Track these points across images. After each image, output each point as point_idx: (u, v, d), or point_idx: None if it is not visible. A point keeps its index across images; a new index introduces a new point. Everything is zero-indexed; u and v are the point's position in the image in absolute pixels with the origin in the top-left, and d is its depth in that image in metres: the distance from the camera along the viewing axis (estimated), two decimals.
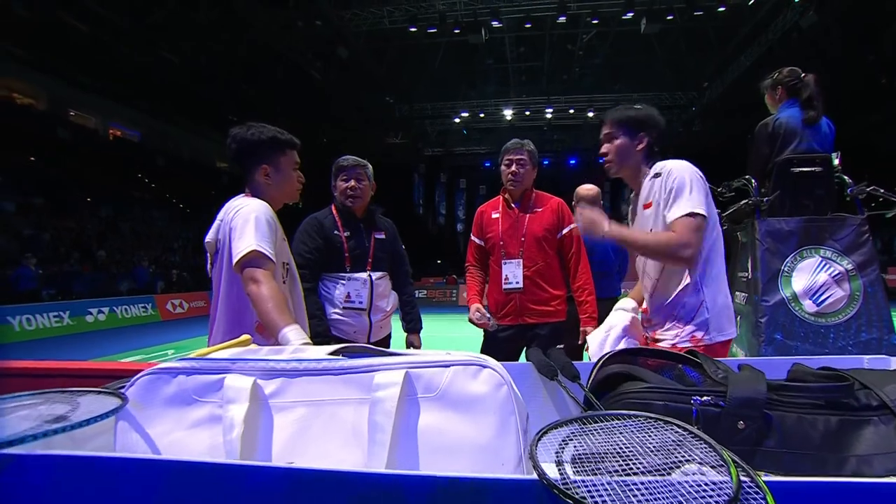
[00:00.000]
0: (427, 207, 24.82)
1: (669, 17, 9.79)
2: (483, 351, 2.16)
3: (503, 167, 2.11)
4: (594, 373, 0.81)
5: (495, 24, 10.80)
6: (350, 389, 0.71)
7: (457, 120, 17.70)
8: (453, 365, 0.70)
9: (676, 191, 1.32)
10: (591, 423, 0.52)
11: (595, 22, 10.43)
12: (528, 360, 0.94)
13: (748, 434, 0.56)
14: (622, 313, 1.44)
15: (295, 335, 1.06)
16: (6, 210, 11.98)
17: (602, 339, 1.39)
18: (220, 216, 1.35)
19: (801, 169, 1.88)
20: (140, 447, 0.66)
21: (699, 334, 1.33)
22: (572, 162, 20.93)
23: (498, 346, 2.10)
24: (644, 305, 1.52)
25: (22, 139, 12.80)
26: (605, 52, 12.61)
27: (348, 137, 19.02)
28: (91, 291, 11.02)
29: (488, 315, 2.06)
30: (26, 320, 8.87)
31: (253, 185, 1.41)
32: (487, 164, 21.81)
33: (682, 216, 1.29)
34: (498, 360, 2.14)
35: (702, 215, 1.29)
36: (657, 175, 1.38)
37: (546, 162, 21.61)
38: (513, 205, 2.12)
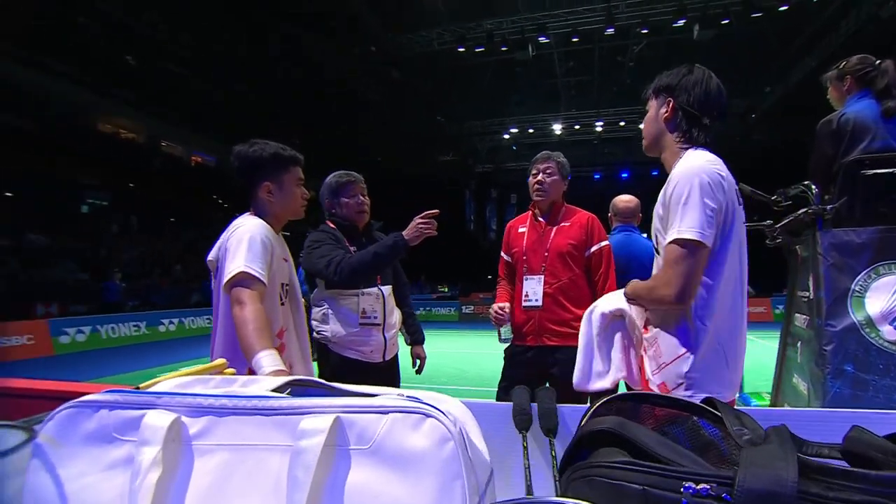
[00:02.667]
0: (478, 223, 24.77)
1: (725, 22, 9.18)
2: (504, 373, 2.05)
3: (530, 178, 2.02)
4: (584, 421, 0.67)
5: (542, 39, 10.71)
6: (280, 434, 0.61)
7: (506, 136, 17.64)
8: (392, 412, 0.59)
9: (673, 205, 1.07)
10: None
11: (645, 32, 10.01)
12: (511, 398, 0.81)
13: None
14: (619, 296, 1.22)
15: (268, 361, 1.00)
16: (112, 231, 13.62)
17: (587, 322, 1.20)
18: (223, 235, 1.34)
19: (874, 171, 1.59)
20: (48, 490, 0.60)
21: (671, 384, 1.08)
22: (624, 175, 20.06)
23: (518, 368, 1.98)
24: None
25: (124, 169, 14.90)
26: (658, 61, 12.05)
27: (402, 156, 19.56)
28: (168, 303, 12.02)
29: (508, 322, 1.95)
30: (111, 329, 9.87)
31: (256, 203, 1.40)
32: None
33: (669, 243, 1.06)
34: (512, 383, 2.00)
35: (693, 241, 1.03)
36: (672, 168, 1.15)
37: (597, 176, 20.91)
38: (540, 218, 2.02)
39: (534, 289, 1.92)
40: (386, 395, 0.65)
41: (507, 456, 0.77)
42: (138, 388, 0.82)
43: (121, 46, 11.77)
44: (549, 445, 0.59)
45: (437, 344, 9.54)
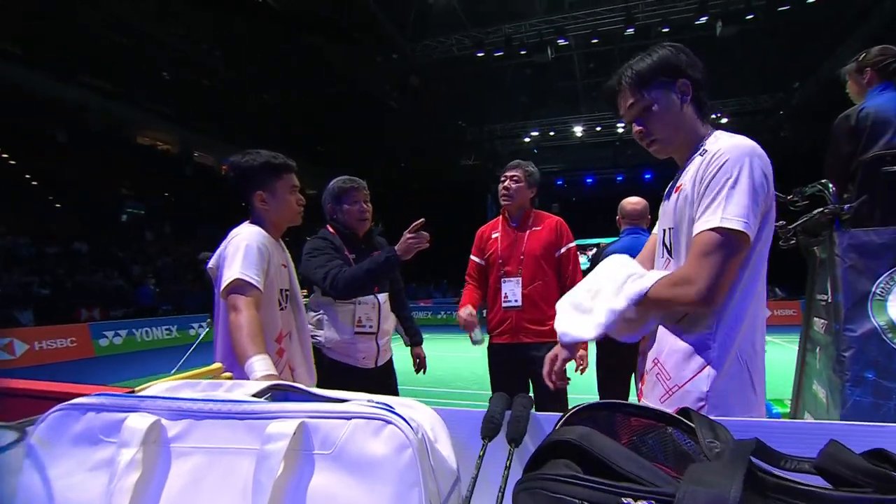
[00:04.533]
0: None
1: (749, 17, 8.86)
2: (490, 370, 2.15)
3: (500, 184, 2.14)
4: (555, 428, 0.67)
5: (562, 42, 10.61)
6: (251, 437, 0.63)
7: (527, 139, 17.52)
8: (355, 417, 0.60)
9: (716, 184, 0.89)
10: None
11: (666, 31, 9.74)
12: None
13: None
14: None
15: (260, 365, 1.03)
16: (147, 238, 14.30)
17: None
18: (222, 244, 1.39)
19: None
20: (38, 489, 0.64)
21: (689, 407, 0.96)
22: (647, 176, 19.54)
23: (500, 366, 2.10)
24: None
25: (160, 179, 15.68)
26: None
27: (424, 161, 19.71)
28: (199, 308, 12.49)
29: (479, 327, 2.02)
30: (145, 332, 10.32)
31: (253, 212, 1.44)
32: (560, 182, 21.18)
33: (707, 230, 0.87)
34: (503, 385, 2.06)
35: (738, 232, 0.85)
36: (702, 153, 0.96)
37: (620, 178, 20.48)
38: (512, 223, 2.12)
39: (513, 290, 2.02)
40: (355, 402, 0.67)
41: (482, 464, 0.77)
42: (133, 391, 0.86)
43: (156, 63, 12.36)
44: (507, 455, 0.59)
45: (455, 348, 9.50)
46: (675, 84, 0.98)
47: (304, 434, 0.60)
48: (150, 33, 10.61)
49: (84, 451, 0.65)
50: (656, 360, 1.00)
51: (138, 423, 0.64)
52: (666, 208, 1.06)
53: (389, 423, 0.58)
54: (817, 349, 1.72)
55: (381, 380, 1.96)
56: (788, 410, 2.06)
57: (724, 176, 0.88)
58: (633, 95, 1.01)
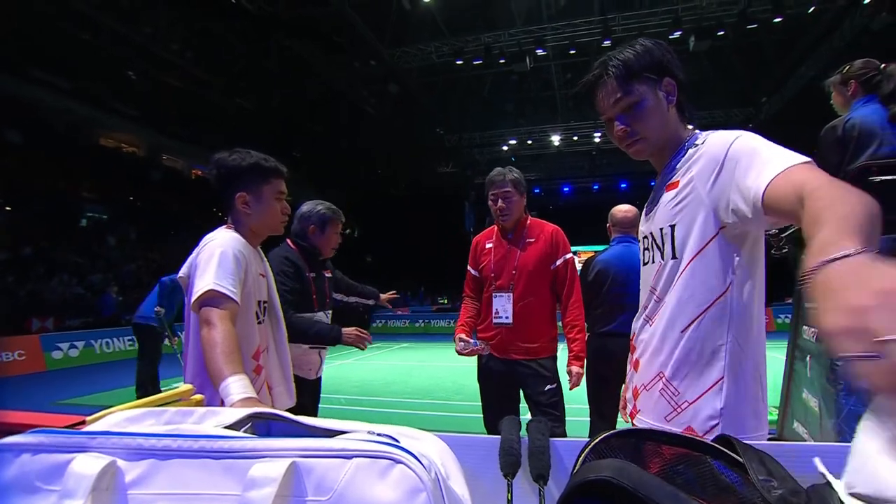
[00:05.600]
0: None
1: (720, 33, 9.28)
2: (480, 386, 2.08)
3: (490, 202, 2.02)
4: (578, 464, 0.59)
5: (540, 52, 10.78)
6: (230, 481, 0.53)
7: (505, 148, 17.69)
8: (356, 456, 0.51)
9: (752, 151, 0.81)
10: None
11: None
12: (499, 431, 0.72)
13: None
14: None
15: (236, 388, 0.92)
16: (108, 244, 13.61)
17: None
18: (195, 250, 1.27)
19: (883, 178, 1.52)
20: None
21: (700, 428, 0.84)
22: (623, 186, 20.10)
23: (491, 381, 2.01)
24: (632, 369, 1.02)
25: (124, 182, 15.18)
26: None
27: (401, 168, 19.63)
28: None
29: (473, 341, 1.96)
30: (105, 343, 9.78)
31: (233, 215, 1.33)
32: (537, 191, 21.44)
33: (801, 164, 0.75)
34: (493, 398, 1.98)
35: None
36: (694, 145, 0.90)
37: (596, 187, 20.94)
38: (507, 234, 2.04)
39: (504, 306, 1.93)
40: (353, 434, 0.58)
41: (496, 499, 0.69)
42: (84, 421, 0.74)
43: (122, 61, 11.88)
44: (539, 495, 0.51)
45: (435, 356, 9.36)
46: (661, 83, 0.92)
47: (294, 477, 0.51)
48: (114, 29, 10.16)
49: (18, 501, 0.54)
50: (661, 375, 0.90)
51: (87, 466, 0.53)
52: (658, 212, 0.97)
53: (399, 461, 0.49)
54: (807, 357, 1.72)
55: (315, 389, 2.04)
56: (775, 418, 2.07)
57: (750, 145, 0.84)
58: (621, 89, 0.92)
